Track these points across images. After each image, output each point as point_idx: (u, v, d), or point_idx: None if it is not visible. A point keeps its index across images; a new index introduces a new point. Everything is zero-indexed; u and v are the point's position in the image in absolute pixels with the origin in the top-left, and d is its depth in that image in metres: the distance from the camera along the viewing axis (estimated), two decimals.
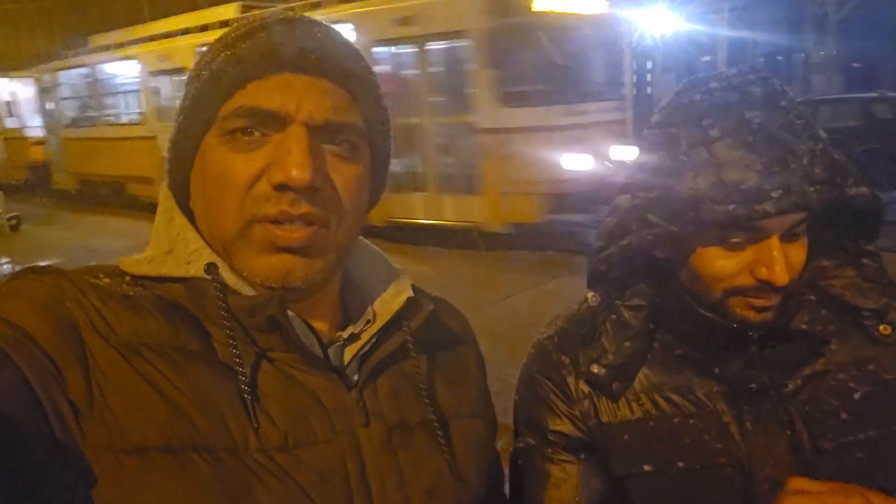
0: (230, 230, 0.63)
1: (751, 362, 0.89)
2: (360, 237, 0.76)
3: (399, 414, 0.69)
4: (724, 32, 15.92)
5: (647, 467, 0.91)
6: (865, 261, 0.91)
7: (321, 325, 0.69)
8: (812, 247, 0.88)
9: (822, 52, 15.39)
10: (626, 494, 0.94)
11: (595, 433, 0.93)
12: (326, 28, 0.68)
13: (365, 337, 0.69)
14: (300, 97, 0.63)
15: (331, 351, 0.68)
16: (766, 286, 0.82)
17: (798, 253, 0.84)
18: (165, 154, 0.71)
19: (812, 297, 0.92)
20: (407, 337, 0.71)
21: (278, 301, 0.62)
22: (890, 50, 15.21)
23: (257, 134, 0.63)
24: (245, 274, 0.64)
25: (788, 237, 0.82)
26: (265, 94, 0.63)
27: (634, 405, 0.93)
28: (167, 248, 0.66)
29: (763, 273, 0.81)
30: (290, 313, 0.64)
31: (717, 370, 0.91)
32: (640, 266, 0.94)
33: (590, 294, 0.97)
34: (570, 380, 0.95)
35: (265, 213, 0.62)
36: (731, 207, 0.78)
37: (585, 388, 0.94)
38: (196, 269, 0.64)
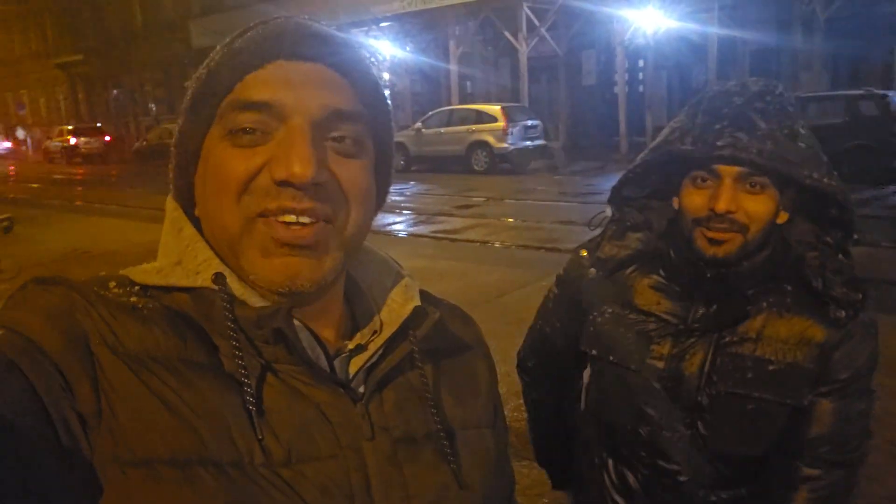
0: (232, 227, 0.63)
1: (708, 311, 1.16)
2: (367, 244, 0.74)
3: (405, 426, 0.69)
4: (715, 31, 16.01)
5: (594, 351, 1.26)
6: (840, 256, 1.14)
7: (328, 334, 0.69)
8: (802, 241, 1.16)
9: (810, 50, 15.49)
10: (590, 368, 1.30)
11: (584, 319, 1.30)
12: (323, 24, 0.67)
13: (371, 348, 0.69)
14: (299, 87, 0.62)
15: (336, 363, 0.68)
16: (715, 217, 1.08)
17: (755, 204, 1.08)
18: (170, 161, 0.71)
19: (789, 287, 1.16)
20: (413, 347, 0.70)
21: (285, 313, 0.62)
22: (876, 47, 15.33)
23: (259, 132, 0.62)
24: (251, 278, 0.63)
25: (745, 187, 1.08)
26: (262, 85, 0.62)
27: (609, 307, 1.24)
28: (176, 258, 0.66)
29: (713, 203, 1.08)
30: (297, 323, 0.64)
31: (674, 305, 1.18)
32: (659, 205, 1.24)
33: (607, 208, 1.28)
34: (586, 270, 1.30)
35: (265, 208, 0.61)
36: (689, 146, 1.08)
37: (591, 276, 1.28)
38: (204, 280, 0.63)
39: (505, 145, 15.92)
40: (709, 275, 1.13)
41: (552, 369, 1.45)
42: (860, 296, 1.12)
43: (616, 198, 1.26)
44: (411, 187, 14.83)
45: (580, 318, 1.30)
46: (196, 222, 0.68)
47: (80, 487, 0.54)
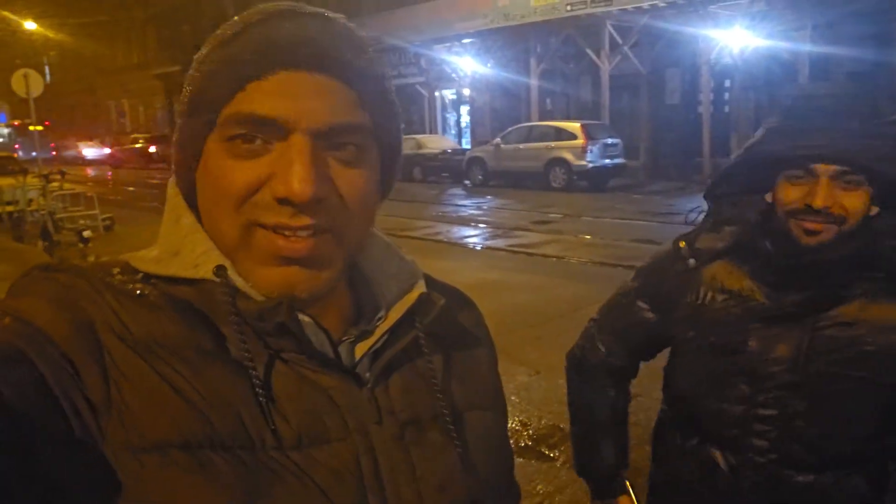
0: (230, 235, 0.62)
1: (803, 297, 1.22)
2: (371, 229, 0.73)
3: (411, 410, 0.69)
4: (807, 49, 15.49)
5: (690, 334, 1.34)
6: None
7: (331, 321, 0.68)
8: (891, 231, 1.20)
9: None
10: (675, 352, 1.41)
11: (676, 304, 1.38)
12: (329, 19, 0.64)
13: (377, 334, 0.69)
14: (301, 101, 0.60)
15: (341, 348, 0.68)
16: (812, 211, 1.15)
17: (851, 199, 1.15)
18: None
19: (881, 275, 1.21)
20: (419, 333, 0.71)
21: (287, 307, 0.62)
22: None
23: (259, 141, 0.61)
24: (249, 284, 0.63)
25: (841, 184, 1.14)
26: (263, 98, 0.60)
27: (706, 293, 1.33)
28: (174, 249, 0.65)
29: (809, 199, 1.15)
30: (300, 314, 0.64)
31: (771, 291, 1.25)
32: (751, 200, 1.31)
33: (703, 203, 1.40)
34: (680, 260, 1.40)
35: (264, 222, 0.61)
36: (783, 147, 1.17)
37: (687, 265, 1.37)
38: (204, 272, 0.63)
39: (583, 163, 15.83)
40: (804, 263, 1.20)
41: (615, 367, 1.50)
42: None
43: (711, 194, 1.36)
44: (488, 201, 14.93)
45: (667, 307, 1.39)
46: (196, 209, 0.67)
47: (93, 476, 0.54)
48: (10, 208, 12.18)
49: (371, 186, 0.67)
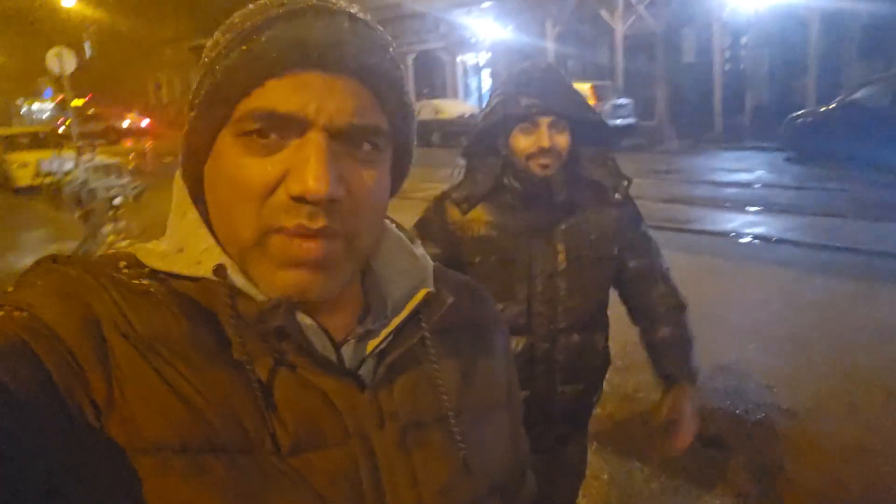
0: (246, 238, 0.61)
1: (548, 212, 1.74)
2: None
3: (414, 412, 0.68)
4: (822, 4, 15.36)
5: (477, 259, 1.80)
6: (609, 162, 1.79)
7: (336, 321, 0.67)
8: (584, 155, 1.76)
9: None
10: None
11: (460, 241, 1.83)
12: (351, 18, 0.62)
13: (382, 334, 0.67)
14: (320, 99, 0.59)
15: (345, 349, 0.67)
16: (541, 151, 1.67)
17: (561, 138, 1.68)
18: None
19: (588, 185, 1.78)
20: (425, 333, 0.70)
21: (285, 310, 0.61)
22: None
23: (274, 136, 0.59)
24: (261, 286, 0.62)
25: (555, 129, 1.67)
26: (283, 95, 0.59)
27: (479, 228, 1.80)
28: (179, 245, 0.65)
29: (538, 143, 1.68)
30: (302, 317, 0.63)
31: (524, 215, 1.75)
32: (493, 152, 1.77)
33: (461, 160, 1.86)
34: (449, 210, 1.85)
35: (282, 225, 0.59)
36: (516, 107, 1.67)
37: (457, 214, 1.83)
38: (205, 270, 0.62)
39: None
40: (541, 188, 1.72)
41: None
42: (626, 182, 1.78)
43: (467, 153, 1.86)
44: None
45: (452, 246, 1.82)
46: (202, 202, 0.67)
47: (95, 474, 0.54)
48: (48, 179, 13.13)
49: (385, 185, 0.67)
